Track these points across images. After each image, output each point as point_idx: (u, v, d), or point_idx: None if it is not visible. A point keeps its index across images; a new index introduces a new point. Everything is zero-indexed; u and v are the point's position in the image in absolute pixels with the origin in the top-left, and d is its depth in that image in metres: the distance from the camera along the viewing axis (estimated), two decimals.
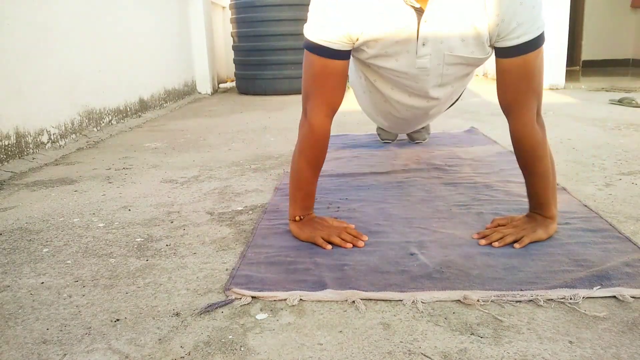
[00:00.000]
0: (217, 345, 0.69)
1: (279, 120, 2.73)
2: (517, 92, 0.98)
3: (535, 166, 1.00)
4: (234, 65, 4.28)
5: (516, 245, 0.96)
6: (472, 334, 0.70)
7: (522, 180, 1.05)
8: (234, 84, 4.56)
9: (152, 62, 3.26)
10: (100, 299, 0.84)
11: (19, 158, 1.81)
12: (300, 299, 0.81)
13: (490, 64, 3.97)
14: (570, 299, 0.77)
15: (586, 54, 5.38)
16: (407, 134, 1.94)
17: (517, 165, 1.04)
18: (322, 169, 1.09)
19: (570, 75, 4.08)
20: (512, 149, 1.04)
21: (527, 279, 0.84)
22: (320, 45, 0.98)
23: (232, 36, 4.20)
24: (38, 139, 1.95)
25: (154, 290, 0.86)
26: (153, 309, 0.80)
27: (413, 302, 0.79)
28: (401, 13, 0.96)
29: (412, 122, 1.48)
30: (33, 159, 1.86)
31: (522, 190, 1.08)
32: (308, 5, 1.00)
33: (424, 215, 1.16)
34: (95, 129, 2.42)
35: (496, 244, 0.97)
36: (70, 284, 0.89)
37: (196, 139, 2.29)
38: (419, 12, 0.96)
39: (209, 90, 4.26)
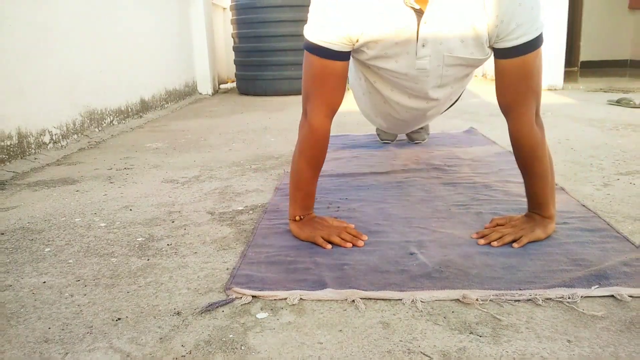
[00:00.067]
0: (217, 344, 0.69)
1: (279, 121, 2.73)
2: (516, 93, 0.98)
3: (534, 166, 1.00)
4: (234, 66, 4.28)
5: (515, 244, 0.96)
6: (471, 332, 0.70)
7: (521, 180, 1.05)
8: (234, 84, 4.56)
9: (152, 63, 3.26)
10: (102, 298, 0.84)
11: (21, 158, 1.81)
12: (301, 298, 0.81)
13: (489, 65, 3.97)
14: (569, 298, 0.78)
15: (584, 55, 5.38)
16: (407, 135, 1.94)
17: (516, 166, 1.04)
18: (322, 169, 1.09)
19: (568, 76, 4.09)
20: (510, 149, 1.05)
21: (525, 278, 0.84)
22: (320, 46, 0.98)
23: (232, 37, 4.20)
24: (40, 139, 1.95)
25: (155, 290, 0.86)
26: (154, 308, 0.80)
27: (412, 301, 0.79)
28: (401, 14, 0.96)
29: (411, 123, 1.48)
30: (35, 159, 1.86)
31: (521, 190, 1.08)
32: (308, 6, 1.00)
33: (423, 215, 1.16)
34: (96, 129, 2.42)
35: (495, 243, 0.97)
36: (72, 284, 0.89)
37: (197, 139, 2.29)
38: (419, 13, 0.96)
39: (210, 91, 4.26)
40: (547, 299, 0.78)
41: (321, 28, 0.98)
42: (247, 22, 3.93)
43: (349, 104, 1.57)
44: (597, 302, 0.77)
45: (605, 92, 3.44)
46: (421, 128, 1.88)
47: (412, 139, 1.94)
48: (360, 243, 0.99)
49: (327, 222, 1.06)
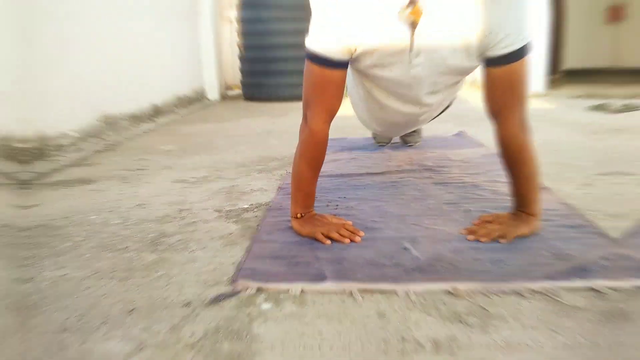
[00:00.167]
0: (224, 333, 0.69)
1: (282, 125, 2.73)
2: (504, 99, 0.98)
3: (519, 168, 1.00)
4: (240, 73, 4.28)
5: (502, 240, 0.96)
6: (461, 322, 0.70)
7: (508, 179, 1.05)
8: (240, 91, 4.55)
9: (164, 71, 3.26)
10: (117, 290, 0.84)
11: (43, 160, 1.81)
12: (302, 290, 0.81)
13: (479, 72, 3.96)
14: (552, 290, 0.77)
15: (567, 62, 5.37)
16: (401, 138, 1.94)
17: (503, 166, 1.04)
18: (322, 170, 1.09)
19: (551, 82, 4.07)
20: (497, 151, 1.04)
21: (512, 271, 0.84)
22: (320, 55, 0.98)
23: (238, 47, 4.20)
24: (60, 142, 1.95)
25: (166, 282, 0.86)
26: (166, 299, 0.80)
27: (406, 293, 0.79)
28: (396, 27, 0.96)
29: (404, 127, 1.48)
30: (55, 160, 1.85)
31: (508, 189, 1.08)
32: (309, 19, 1.00)
33: (416, 213, 1.16)
34: (112, 133, 2.42)
35: (483, 239, 0.97)
36: (89, 276, 0.89)
37: (205, 142, 2.29)
38: (413, 24, 0.96)
39: (217, 97, 4.26)
40: (532, 291, 0.78)
41: (321, 38, 0.97)
42: (252, 33, 3.93)
43: (348, 109, 1.57)
44: (579, 294, 0.77)
45: (587, 98, 3.43)
46: (414, 131, 1.88)
47: (406, 141, 1.94)
48: (358, 239, 0.99)
49: (326, 220, 1.06)
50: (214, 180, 1.56)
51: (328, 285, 0.82)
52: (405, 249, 0.95)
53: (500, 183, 1.36)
